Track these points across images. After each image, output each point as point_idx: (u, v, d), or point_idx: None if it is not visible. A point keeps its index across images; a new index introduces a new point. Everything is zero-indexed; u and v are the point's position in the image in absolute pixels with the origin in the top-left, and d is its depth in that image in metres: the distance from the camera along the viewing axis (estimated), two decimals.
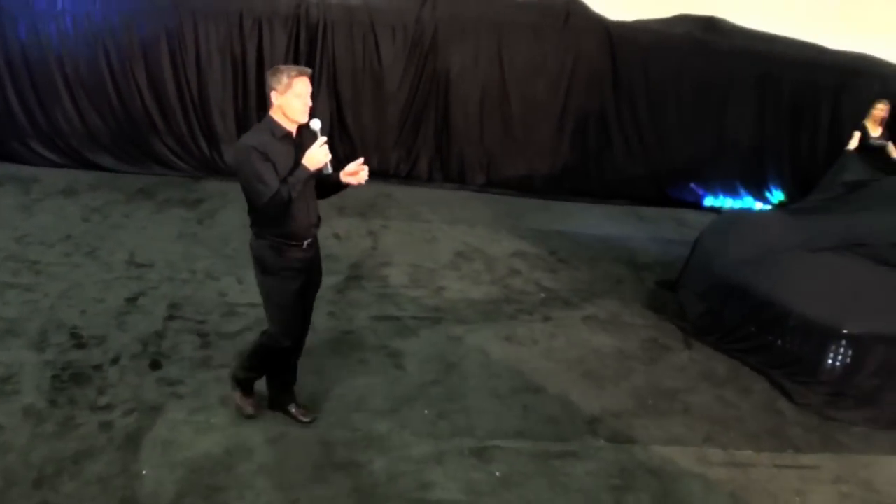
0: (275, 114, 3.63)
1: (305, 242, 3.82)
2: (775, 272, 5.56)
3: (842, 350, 5.03)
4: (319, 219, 3.95)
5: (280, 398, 4.20)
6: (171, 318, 5.17)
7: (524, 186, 9.17)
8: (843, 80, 9.35)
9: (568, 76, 9.20)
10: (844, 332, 5.01)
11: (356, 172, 3.80)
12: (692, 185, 9.41)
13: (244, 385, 4.16)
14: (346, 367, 4.82)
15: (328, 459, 3.84)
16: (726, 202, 9.51)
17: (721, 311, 5.69)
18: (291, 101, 3.57)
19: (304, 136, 3.72)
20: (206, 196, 7.81)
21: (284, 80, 3.55)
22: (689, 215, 8.90)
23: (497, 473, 3.92)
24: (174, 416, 4.08)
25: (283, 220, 3.67)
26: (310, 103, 3.66)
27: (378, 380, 4.68)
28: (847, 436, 4.74)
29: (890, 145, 8.17)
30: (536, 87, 9.16)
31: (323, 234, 6.72)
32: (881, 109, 8.11)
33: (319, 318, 5.24)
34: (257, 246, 3.79)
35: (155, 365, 4.57)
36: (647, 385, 5.00)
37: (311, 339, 4.96)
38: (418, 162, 9.16)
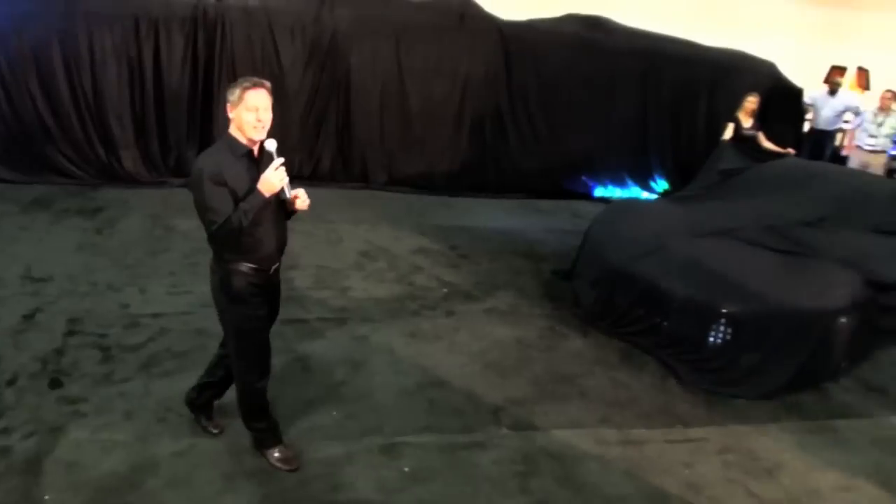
0: (232, 130, 3.36)
1: (273, 267, 3.58)
2: (659, 258, 5.75)
3: (722, 328, 5.24)
4: (286, 242, 3.66)
5: (202, 403, 4.02)
6: (70, 333, 4.93)
7: (425, 184, 9.21)
8: (717, 75, 9.77)
9: (464, 75, 9.28)
10: (724, 311, 5.22)
11: (297, 196, 3.47)
12: (584, 177, 9.64)
13: (262, 439, 3.85)
14: None
15: (238, 468, 3.76)
16: (615, 192, 9.78)
17: (612, 298, 5.84)
18: (243, 114, 3.27)
19: (265, 156, 3.40)
20: (105, 204, 7.51)
21: (237, 92, 3.26)
22: (582, 206, 9.13)
23: (406, 469, 3.93)
24: (77, 436, 3.88)
25: (249, 245, 3.39)
26: (267, 118, 3.33)
27: (286, 384, 4.60)
28: (730, 408, 4.94)
29: (760, 135, 8.59)
30: (434, 87, 9.21)
31: None
32: (752, 102, 8.51)
33: (216, 323, 5.14)
34: (222, 271, 3.48)
35: (55, 383, 4.34)
36: (546, 372, 5.10)
37: (216, 348, 4.89)
38: (321, 163, 9.07)
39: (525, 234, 7.94)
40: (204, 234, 3.41)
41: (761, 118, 8.76)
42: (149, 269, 6.07)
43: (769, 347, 5.18)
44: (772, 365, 5.18)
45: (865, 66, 12.20)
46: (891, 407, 5.22)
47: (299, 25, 8.58)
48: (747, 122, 8.51)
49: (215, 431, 4.00)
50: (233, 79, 8.37)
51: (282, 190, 3.34)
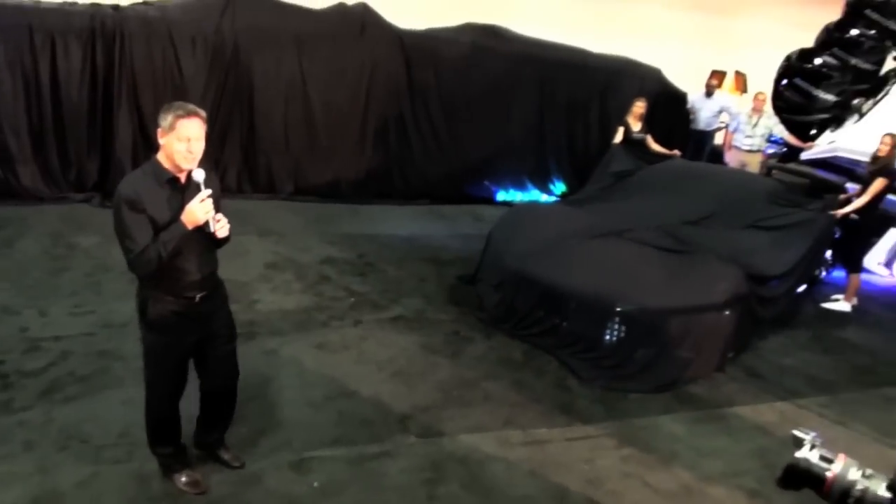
0: (160, 156, 3.17)
1: (198, 296, 3.38)
2: (557, 260, 5.89)
3: (616, 326, 5.43)
4: (214, 270, 3.48)
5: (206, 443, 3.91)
6: None
7: (332, 193, 9.14)
8: (608, 82, 10.03)
9: (367, 84, 9.24)
10: (618, 309, 5.40)
11: (218, 220, 3.25)
12: (486, 182, 9.76)
13: (169, 465, 3.71)
14: None
15: (144, 494, 3.65)
16: (517, 196, 9.94)
17: (513, 300, 5.95)
18: (174, 143, 3.08)
19: (192, 185, 3.21)
20: (1, 223, 7.14)
21: (169, 118, 3.07)
22: (485, 210, 9.24)
23: (316, 484, 3.90)
24: None
25: (169, 275, 3.21)
26: (198, 149, 3.14)
27: (193, 403, 4.48)
28: (627, 402, 5.11)
29: (648, 138, 8.86)
30: (338, 95, 9.14)
31: None
32: (640, 106, 8.77)
33: (128, 345, 4.98)
34: (142, 296, 3.32)
35: None
36: (452, 377, 5.15)
37: (121, 370, 4.75)
38: (226, 174, 8.84)
39: (430, 240, 7.99)
40: (108, 252, 3.27)
41: (649, 121, 9.04)
42: (49, 290, 5.80)
43: (661, 342, 5.39)
44: (664, 359, 5.38)
45: (742, 69, 12.78)
46: (771, 392, 5.51)
47: (200, 35, 8.35)
48: (636, 126, 8.77)
49: (236, 465, 3.92)
50: (133, 90, 8.27)
51: (206, 223, 3.17)
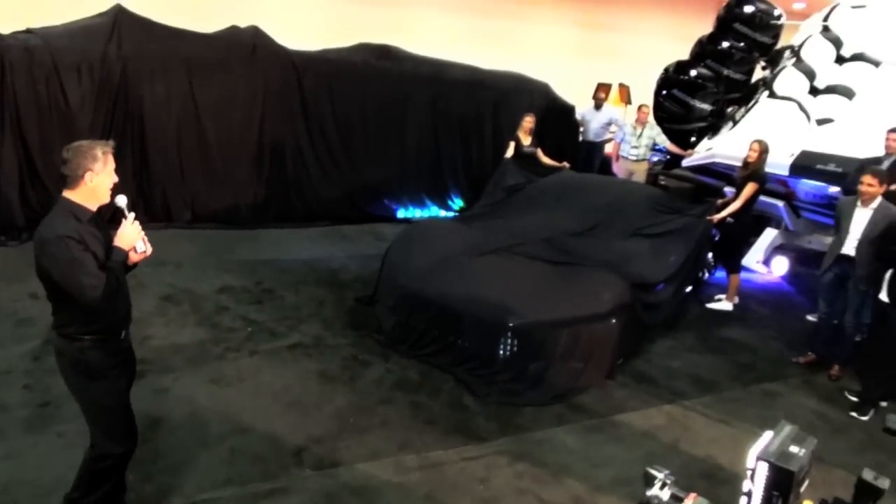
0: (78, 196, 3.03)
1: (123, 332, 3.31)
2: (449, 278, 5.84)
3: (509, 341, 5.40)
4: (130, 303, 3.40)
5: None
6: None
7: (231, 218, 8.87)
8: (499, 97, 10.10)
9: (260, 107, 9.03)
10: (510, 324, 5.37)
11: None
12: (385, 200, 9.66)
13: None
14: (43, 444, 4.27)
15: None
16: (416, 213, 9.88)
17: (409, 320, 5.88)
18: (106, 179, 3.06)
19: (116, 213, 3.21)
20: None
21: (100, 156, 3.01)
22: (385, 228, 9.13)
23: None
24: None
25: (103, 313, 3.08)
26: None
27: (79, 452, 4.20)
28: (521, 417, 5.08)
29: (539, 151, 8.94)
30: (231, 120, 8.89)
31: (17, 293, 6.05)
32: (529, 121, 8.84)
33: (12, 394, 4.68)
34: (74, 350, 3.13)
35: None
36: (349, 404, 5.02)
37: (2, 419, 4.44)
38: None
39: (329, 263, 7.82)
40: None
41: (539, 135, 9.14)
42: None
43: (552, 354, 5.40)
44: (555, 370, 5.41)
45: (626, 82, 13.14)
46: (659, 395, 5.60)
47: (86, 63, 7.94)
48: (527, 140, 8.84)
49: None
50: (17, 121, 7.79)
51: (136, 246, 3.20)
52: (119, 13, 8.34)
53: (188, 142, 8.69)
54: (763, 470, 1.97)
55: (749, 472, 2.02)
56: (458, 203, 10.10)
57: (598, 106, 10.80)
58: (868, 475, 2.04)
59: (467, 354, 5.53)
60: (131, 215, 3.17)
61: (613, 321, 5.67)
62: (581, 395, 5.43)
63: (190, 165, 8.72)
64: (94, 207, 3.10)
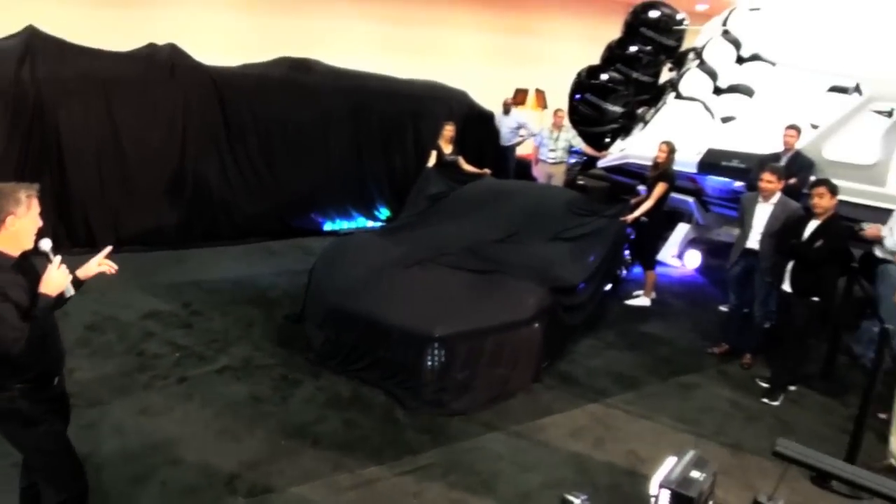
0: (1, 242, 2.90)
1: (56, 378, 3.16)
2: (375, 292, 5.84)
3: (436, 352, 5.41)
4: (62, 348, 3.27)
5: None
6: None
7: (157, 240, 8.64)
8: (418, 107, 10.13)
9: (181, 125, 8.84)
10: (436, 335, 5.37)
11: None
12: (312, 214, 9.59)
13: None
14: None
15: None
16: (343, 224, 9.84)
17: (338, 336, 5.84)
18: (29, 224, 2.92)
19: (28, 261, 3.03)
20: None
21: (23, 199, 2.87)
22: (314, 242, 9.04)
23: None
24: None
25: (31, 363, 2.94)
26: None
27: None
28: (452, 427, 5.11)
29: (460, 159, 9.01)
30: (152, 140, 8.69)
31: None
32: (449, 130, 8.91)
33: None
34: (4, 400, 2.98)
35: None
36: (280, 426, 4.97)
37: None
38: (40, 233, 8.11)
39: (257, 281, 7.73)
40: None
41: (460, 142, 9.21)
42: None
43: (478, 362, 5.45)
44: (483, 378, 5.46)
45: (542, 87, 13.35)
46: (583, 395, 5.73)
47: None
48: (448, 149, 8.90)
49: None
50: None
51: (66, 288, 3.02)
52: (31, 35, 8.06)
53: (108, 165, 8.44)
54: (665, 497, 2.06)
55: (653, 500, 2.11)
56: (384, 213, 10.09)
57: (506, 111, 11.04)
58: (762, 497, 2.14)
59: (396, 367, 5.53)
60: (57, 259, 2.99)
61: (536, 326, 5.76)
62: (509, 400, 5.52)
63: (111, 189, 8.48)
64: (16, 253, 2.97)
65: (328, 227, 9.74)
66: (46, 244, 3.06)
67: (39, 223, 3.03)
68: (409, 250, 6.49)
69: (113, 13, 10.46)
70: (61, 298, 3.04)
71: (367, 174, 10.02)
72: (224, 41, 11.65)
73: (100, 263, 3.27)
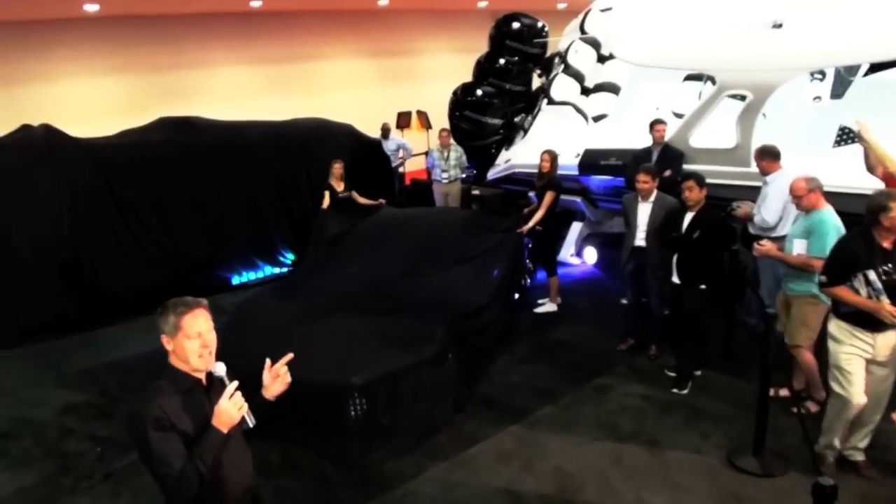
0: (174, 360, 2.65)
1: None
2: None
3: (357, 400, 5.30)
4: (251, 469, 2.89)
5: None
6: None
7: (62, 326, 8.16)
8: (305, 146, 9.95)
9: (67, 205, 8.39)
10: (356, 384, 5.28)
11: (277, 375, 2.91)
12: (217, 271, 9.33)
13: None
14: None
15: None
16: (250, 276, 9.62)
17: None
18: (185, 343, 2.59)
19: (215, 383, 2.69)
20: None
21: (171, 320, 2.60)
22: (223, 300, 8.73)
23: None
24: None
25: (213, 490, 2.57)
26: (213, 341, 2.68)
27: None
28: (382, 475, 5.03)
29: (354, 194, 8.96)
30: (39, 224, 8.23)
31: None
32: (337, 168, 8.87)
33: None
34: None
35: None
36: None
37: None
38: None
39: None
40: None
41: (353, 176, 9.14)
42: None
43: (399, 404, 5.41)
44: (406, 419, 5.42)
45: (423, 108, 13.38)
46: (506, 417, 5.74)
47: None
48: (340, 186, 8.84)
49: None
50: None
51: (242, 419, 2.63)
52: None
53: (0, 260, 7.97)
54: None
55: None
56: (289, 257, 9.90)
57: (385, 135, 11.20)
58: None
59: (321, 422, 5.42)
60: (232, 386, 2.62)
61: (450, 356, 5.78)
62: (436, 436, 5.49)
63: (7, 283, 8.01)
64: (193, 373, 2.68)
65: (236, 280, 9.49)
66: (221, 369, 2.72)
67: (207, 344, 2.69)
68: (314, 303, 6.41)
69: None
70: (240, 428, 2.69)
71: (267, 223, 9.79)
72: (100, 108, 11.26)
73: (275, 374, 2.99)
